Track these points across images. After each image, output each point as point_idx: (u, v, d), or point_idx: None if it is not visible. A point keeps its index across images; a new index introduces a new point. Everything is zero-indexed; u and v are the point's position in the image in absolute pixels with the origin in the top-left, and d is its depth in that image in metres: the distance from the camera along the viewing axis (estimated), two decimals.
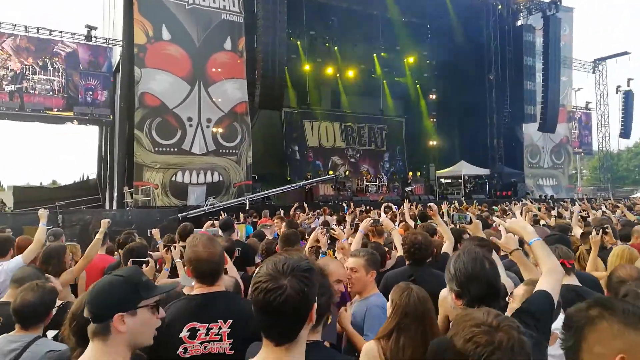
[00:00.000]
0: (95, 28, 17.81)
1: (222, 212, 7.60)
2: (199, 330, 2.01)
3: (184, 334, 2.00)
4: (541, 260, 1.99)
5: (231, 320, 2.01)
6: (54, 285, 2.72)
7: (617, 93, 31.41)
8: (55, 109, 17.50)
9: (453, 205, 11.26)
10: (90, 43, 17.58)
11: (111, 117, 18.04)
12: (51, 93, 17.39)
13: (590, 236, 4.35)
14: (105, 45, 18.01)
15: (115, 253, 5.07)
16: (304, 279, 1.26)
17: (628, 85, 30.92)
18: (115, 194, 16.87)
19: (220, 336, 2.00)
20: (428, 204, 4.28)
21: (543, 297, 1.83)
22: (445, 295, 2.79)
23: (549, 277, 1.90)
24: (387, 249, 4.03)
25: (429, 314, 2.17)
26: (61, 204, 16.62)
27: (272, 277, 1.27)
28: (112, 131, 18.66)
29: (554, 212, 9.16)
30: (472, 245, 2.10)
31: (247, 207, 14.87)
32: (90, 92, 17.98)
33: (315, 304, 1.29)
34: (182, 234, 5.17)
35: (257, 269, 1.38)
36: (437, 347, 1.87)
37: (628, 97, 30.76)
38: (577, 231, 5.04)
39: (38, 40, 17.14)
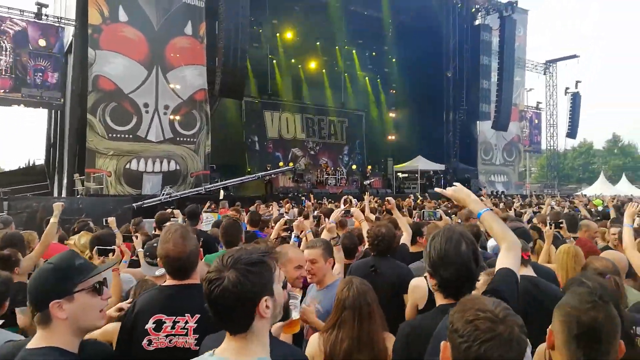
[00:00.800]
0: (47, 6, 16.82)
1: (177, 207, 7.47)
2: (165, 322, 1.95)
3: (150, 325, 1.94)
4: (497, 234, 1.88)
5: (199, 315, 1.95)
6: (7, 274, 2.59)
7: (565, 94, 32.91)
8: (2, 90, 16.43)
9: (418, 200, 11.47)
10: (40, 21, 16.56)
11: (62, 100, 17.14)
12: None
13: (544, 230, 4.56)
14: (57, 25, 17.02)
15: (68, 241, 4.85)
16: (245, 272, 1.25)
17: (576, 87, 32.46)
18: (65, 181, 16.15)
19: (186, 330, 1.94)
20: (386, 198, 4.35)
21: (508, 275, 1.76)
22: (416, 284, 2.84)
23: (509, 252, 1.82)
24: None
25: (368, 307, 2.18)
26: (5, 190, 15.79)
27: (217, 269, 1.28)
28: (62, 115, 17.79)
29: (511, 209, 9.51)
30: (455, 225, 2.07)
31: (221, 197, 14.61)
32: (40, 74, 16.96)
33: (266, 298, 1.27)
34: (159, 222, 5.05)
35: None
36: (407, 329, 1.90)
37: (575, 98, 32.30)
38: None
39: None
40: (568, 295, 1.58)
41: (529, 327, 2.43)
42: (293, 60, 25.58)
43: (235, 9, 16.31)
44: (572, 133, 32.86)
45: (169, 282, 2.09)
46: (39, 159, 21.03)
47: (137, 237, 3.72)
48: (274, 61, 24.64)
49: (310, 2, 23.39)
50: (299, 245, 3.40)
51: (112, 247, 3.20)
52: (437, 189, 2.26)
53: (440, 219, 3.09)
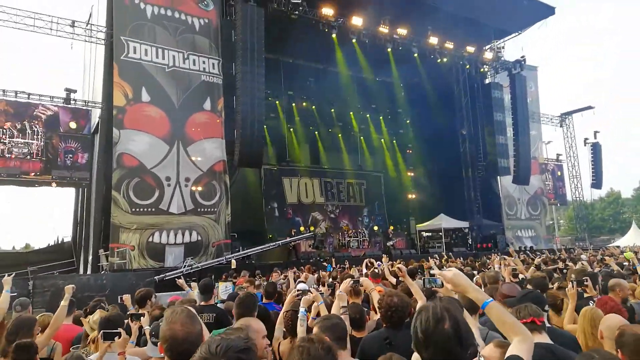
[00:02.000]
0: (75, 91, 17.97)
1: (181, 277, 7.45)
2: None
3: None
4: (509, 327, 1.83)
5: None
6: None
7: (585, 145, 32.65)
8: (32, 173, 17.17)
9: (432, 261, 11.21)
10: (69, 106, 17.64)
11: (89, 179, 17.83)
12: (29, 157, 17.08)
13: (567, 289, 4.36)
14: (85, 108, 18.09)
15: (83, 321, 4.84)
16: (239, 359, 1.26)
17: (595, 137, 32.23)
18: (91, 257, 16.37)
19: None
20: (397, 266, 4.25)
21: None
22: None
23: (523, 344, 1.78)
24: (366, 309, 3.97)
25: None
26: (33, 269, 16.07)
27: (207, 359, 1.26)
28: (89, 193, 18.40)
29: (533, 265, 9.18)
30: (439, 301, 1.99)
31: (234, 267, 14.61)
32: (70, 155, 17.73)
33: None
34: (139, 300, 4.99)
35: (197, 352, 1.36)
36: None
37: (596, 148, 31.98)
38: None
39: (17, 103, 17.06)
40: None
41: None
42: (310, 128, 26.33)
43: (251, 84, 17.10)
44: (597, 183, 32.21)
45: None
46: (67, 236, 21.52)
47: (144, 315, 3.70)
48: (291, 129, 25.38)
49: (323, 73, 24.47)
50: (307, 319, 3.31)
51: (119, 331, 3.13)
52: (434, 271, 2.22)
53: (442, 286, 2.98)
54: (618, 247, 24.22)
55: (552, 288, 5.33)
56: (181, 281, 6.13)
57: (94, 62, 19.19)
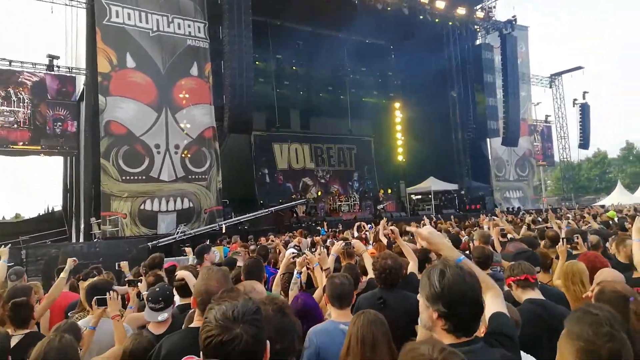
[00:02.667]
0: (58, 57, 17.50)
1: (188, 245, 7.45)
2: None
3: None
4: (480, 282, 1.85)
5: None
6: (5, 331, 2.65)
7: (574, 106, 32.78)
8: (21, 143, 16.76)
9: (428, 221, 11.40)
10: (53, 73, 17.17)
11: (77, 147, 17.59)
12: (15, 125, 16.55)
13: (557, 246, 4.49)
14: (69, 75, 17.62)
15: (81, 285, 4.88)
16: (256, 322, 1.28)
17: (584, 98, 32.35)
18: (82, 226, 16.39)
19: None
20: (390, 228, 4.32)
21: (505, 317, 1.77)
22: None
23: (497, 299, 1.82)
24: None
25: (371, 338, 2.16)
26: (25, 239, 16.05)
27: (224, 328, 1.26)
28: (77, 161, 18.21)
29: (524, 225, 9.39)
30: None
31: (223, 231, 14.79)
32: (60, 123, 17.22)
33: (268, 343, 1.31)
34: (151, 266, 5.07)
35: (205, 316, 1.36)
36: None
37: (584, 109, 32.15)
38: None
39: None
40: (580, 324, 1.54)
41: (539, 351, 2.41)
42: (300, 92, 26.02)
43: (239, 48, 16.74)
44: (584, 144, 32.57)
45: (197, 323, 2.08)
46: (57, 205, 21.45)
47: (141, 281, 3.75)
48: (281, 94, 25.06)
49: (313, 35, 23.95)
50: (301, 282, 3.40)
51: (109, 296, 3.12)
52: (409, 228, 2.27)
53: None
54: (603, 206, 24.74)
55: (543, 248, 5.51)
56: (188, 249, 6.21)
57: (76, 27, 18.61)
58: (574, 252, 4.49)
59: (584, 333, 1.48)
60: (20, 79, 16.77)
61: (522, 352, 2.25)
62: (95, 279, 3.82)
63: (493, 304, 1.80)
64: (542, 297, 2.82)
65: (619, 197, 33.20)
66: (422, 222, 12.73)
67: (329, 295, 2.85)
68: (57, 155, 18.51)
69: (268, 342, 1.33)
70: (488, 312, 1.77)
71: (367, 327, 2.19)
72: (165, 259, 6.16)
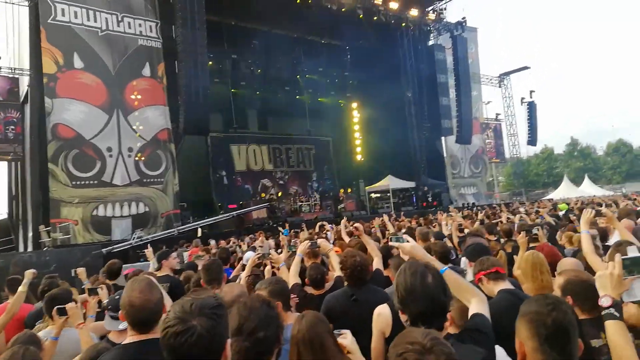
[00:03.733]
0: None
1: (148, 246, 7.15)
2: None
3: None
4: (465, 290, 1.99)
5: None
6: None
7: (521, 104, 34.19)
8: None
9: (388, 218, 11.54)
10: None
11: (22, 151, 16.70)
12: None
13: (518, 237, 4.64)
14: (12, 76, 16.69)
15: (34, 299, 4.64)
16: (214, 316, 1.27)
17: (530, 97, 33.79)
18: (30, 234, 15.58)
19: None
20: (354, 225, 4.36)
21: (483, 317, 1.88)
22: (379, 312, 2.80)
23: (481, 304, 1.95)
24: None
25: (318, 339, 2.13)
26: None
27: (180, 320, 1.26)
28: (22, 166, 17.29)
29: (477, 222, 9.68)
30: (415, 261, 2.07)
31: (199, 235, 14.49)
32: (12, 127, 16.18)
33: (228, 340, 1.30)
34: (109, 272, 4.90)
35: (166, 312, 1.36)
36: None
37: (531, 107, 33.59)
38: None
39: None
40: (526, 304, 1.67)
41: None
42: (257, 92, 25.80)
43: (193, 48, 16.41)
44: (532, 140, 34.02)
45: (130, 338, 2.02)
46: (2, 213, 20.35)
47: (102, 288, 3.62)
48: (237, 95, 24.76)
49: (268, 35, 23.80)
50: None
51: (69, 305, 3.04)
52: (392, 243, 2.33)
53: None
54: (551, 200, 25.98)
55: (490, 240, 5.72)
56: (149, 251, 6.01)
57: (18, 25, 17.67)
58: (531, 244, 4.64)
59: (531, 307, 1.60)
60: None
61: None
62: (54, 290, 3.64)
63: (476, 308, 1.93)
64: (513, 287, 2.90)
65: (565, 191, 34.97)
66: (381, 219, 12.89)
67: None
68: (1, 160, 17.49)
69: (228, 340, 1.32)
70: (472, 312, 1.91)
71: (313, 330, 2.17)
72: (123, 265, 5.95)
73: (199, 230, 15.67)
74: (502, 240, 5.85)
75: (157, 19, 17.52)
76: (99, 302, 3.52)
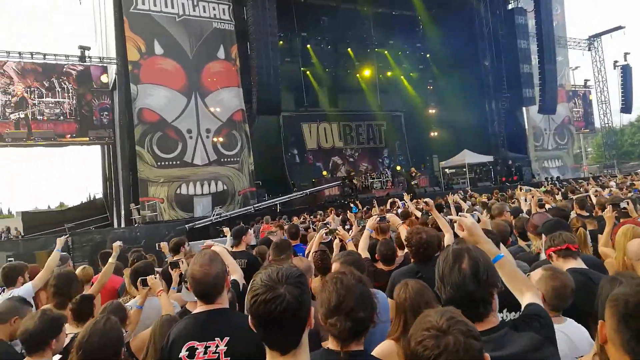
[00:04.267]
0: (89, 48, 17.84)
1: (226, 224, 7.53)
2: (197, 349, 2.00)
3: (183, 353, 2.00)
4: (516, 281, 1.87)
5: (228, 338, 2.00)
6: (60, 312, 2.75)
7: (614, 68, 31.21)
8: (68, 135, 16.57)
9: (457, 195, 11.17)
10: (85, 63, 17.48)
11: (113, 136, 18.05)
12: (62, 118, 16.35)
13: (604, 212, 4.31)
14: (101, 65, 17.92)
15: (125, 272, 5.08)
16: (300, 285, 1.33)
17: (625, 60, 30.75)
18: (123, 212, 16.95)
19: (217, 354, 1.98)
20: (424, 200, 4.27)
21: (538, 305, 1.79)
22: None
23: (534, 299, 1.83)
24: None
25: (426, 305, 2.13)
26: (70, 226, 16.77)
27: (269, 287, 1.32)
28: (114, 149, 18.73)
29: (558, 196, 9.09)
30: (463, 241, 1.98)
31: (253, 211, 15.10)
32: (106, 112, 17.27)
33: (312, 308, 1.34)
34: (172, 248, 5.21)
35: (252, 280, 1.42)
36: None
37: (626, 71, 30.58)
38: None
39: (43, 64, 16.52)
40: (616, 286, 1.56)
41: (587, 320, 2.32)
42: (326, 70, 25.73)
43: (263, 28, 16.65)
44: (626, 108, 31.09)
45: (199, 308, 2.15)
46: (98, 192, 22.21)
47: (182, 262, 3.85)
48: (307, 73, 24.87)
49: (337, 10, 23.50)
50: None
51: (149, 277, 3.31)
52: (452, 217, 2.22)
53: (479, 221, 2.97)
54: None
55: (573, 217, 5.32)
56: (226, 229, 6.35)
57: (104, 17, 18.91)
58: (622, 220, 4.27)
59: (620, 289, 1.46)
60: (64, 69, 16.74)
61: (572, 321, 2.20)
62: (137, 263, 3.96)
63: (529, 299, 1.83)
64: (585, 266, 2.72)
65: None
66: (456, 194, 12.47)
67: None
68: (98, 144, 18.99)
69: (312, 308, 1.37)
70: (526, 302, 1.81)
71: (419, 296, 2.18)
72: (203, 240, 6.30)
73: (278, 206, 16.20)
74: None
75: (230, 2, 17.94)
76: (180, 274, 3.74)
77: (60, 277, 3.55)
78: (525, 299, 1.84)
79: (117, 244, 4.51)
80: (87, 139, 17.16)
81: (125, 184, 16.74)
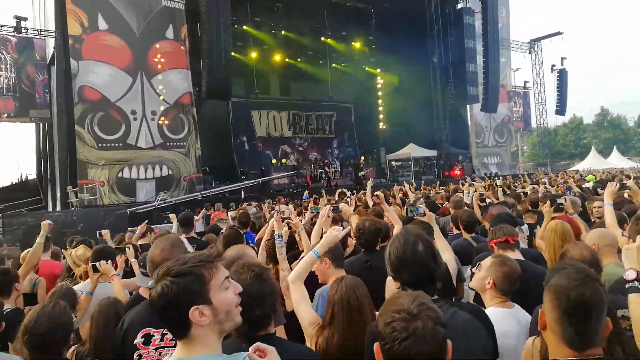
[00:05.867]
0: (26, 19, 16.64)
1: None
2: (153, 336, 1.98)
3: (139, 340, 1.98)
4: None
5: None
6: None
7: (552, 72, 33.02)
8: (5, 115, 14.88)
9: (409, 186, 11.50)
10: (21, 35, 16.27)
11: (49, 113, 16.99)
12: None
13: (543, 206, 4.57)
14: (38, 37, 16.76)
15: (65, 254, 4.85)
16: (169, 284, 1.27)
17: (562, 64, 32.56)
18: (59, 194, 16.10)
19: (174, 341, 1.97)
20: (375, 193, 4.38)
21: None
22: (390, 280, 2.84)
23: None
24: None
25: (356, 301, 2.21)
26: (0, 207, 15.71)
27: (155, 280, 1.33)
28: (50, 128, 17.67)
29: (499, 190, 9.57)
30: (411, 227, 2.10)
31: (243, 197, 14.82)
32: (46, 90, 15.84)
33: (197, 307, 1.27)
34: (182, 222, 5.01)
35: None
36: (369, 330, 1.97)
37: (562, 75, 32.42)
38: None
39: None
40: (557, 276, 1.64)
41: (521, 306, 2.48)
42: (278, 57, 25.46)
43: (216, 10, 16.22)
44: (560, 110, 33.03)
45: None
46: (31, 173, 20.94)
47: (129, 247, 3.75)
48: (259, 59, 24.51)
49: None
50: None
51: (101, 263, 3.24)
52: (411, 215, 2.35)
53: (424, 214, 3.11)
54: (577, 171, 25.39)
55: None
56: (172, 215, 6.19)
57: None
58: (555, 215, 4.55)
59: (560, 280, 1.55)
60: (1, 36, 15.01)
61: (519, 307, 2.36)
62: (99, 245, 3.87)
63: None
64: (522, 258, 2.91)
65: (592, 162, 34.08)
66: (400, 187, 12.83)
67: None
68: (29, 122, 17.80)
69: (196, 307, 1.29)
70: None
71: (351, 291, 2.23)
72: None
73: (242, 192, 16.03)
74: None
75: None
76: (126, 260, 3.66)
77: None
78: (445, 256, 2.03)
79: (46, 222, 4.29)
80: (28, 119, 15.81)
81: (62, 165, 15.87)
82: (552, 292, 1.55)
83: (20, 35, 16.19)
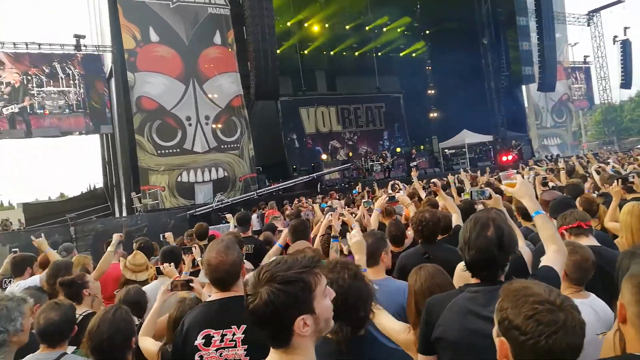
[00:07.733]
0: (84, 37, 17.59)
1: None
2: (213, 337, 2.00)
3: (199, 341, 2.00)
4: (547, 237, 1.99)
5: (245, 326, 1.98)
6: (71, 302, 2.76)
7: (614, 44, 30.92)
8: (77, 132, 14.79)
9: (457, 176, 11.14)
10: (81, 52, 17.19)
11: (111, 125, 17.88)
12: (67, 111, 13.94)
13: (611, 186, 4.28)
14: (97, 53, 17.66)
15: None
16: (278, 291, 1.22)
17: (625, 35, 30.44)
18: (124, 200, 16.96)
19: (234, 342, 1.98)
20: (431, 181, 4.27)
21: (551, 270, 1.84)
22: (461, 267, 2.75)
23: (556, 254, 1.92)
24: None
25: (439, 289, 2.14)
26: (72, 216, 16.76)
27: (253, 284, 1.28)
28: (112, 138, 18.64)
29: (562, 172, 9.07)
30: (494, 212, 2.00)
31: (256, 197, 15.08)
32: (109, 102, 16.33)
33: (303, 317, 1.23)
34: (198, 234, 5.24)
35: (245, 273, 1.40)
36: (431, 301, 1.95)
37: (626, 46, 30.29)
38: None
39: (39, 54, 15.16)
40: (637, 265, 1.55)
41: (598, 296, 2.34)
42: (324, 52, 25.48)
43: (259, 12, 16.42)
44: (626, 83, 30.88)
45: (214, 295, 2.15)
46: (99, 182, 22.16)
47: (195, 247, 3.86)
48: (305, 56, 24.62)
49: None
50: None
51: (164, 265, 3.44)
52: (503, 186, 2.30)
53: (490, 197, 2.96)
54: None
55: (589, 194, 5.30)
56: (229, 215, 6.38)
57: (98, 5, 18.64)
58: (629, 197, 4.24)
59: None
60: (67, 52, 14.97)
61: (595, 296, 2.28)
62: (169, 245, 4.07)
63: (549, 258, 1.91)
64: (598, 244, 2.73)
65: None
66: (463, 172, 12.40)
67: None
68: (93, 133, 18.79)
69: (303, 316, 1.25)
70: (543, 263, 1.90)
71: (431, 280, 2.19)
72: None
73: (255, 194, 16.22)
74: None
75: None
76: (193, 260, 3.77)
77: (53, 267, 3.60)
78: (548, 253, 1.94)
79: (117, 234, 4.56)
80: (99, 135, 16.43)
81: (125, 172, 16.71)
82: (633, 284, 1.42)
83: (81, 52, 17.10)
